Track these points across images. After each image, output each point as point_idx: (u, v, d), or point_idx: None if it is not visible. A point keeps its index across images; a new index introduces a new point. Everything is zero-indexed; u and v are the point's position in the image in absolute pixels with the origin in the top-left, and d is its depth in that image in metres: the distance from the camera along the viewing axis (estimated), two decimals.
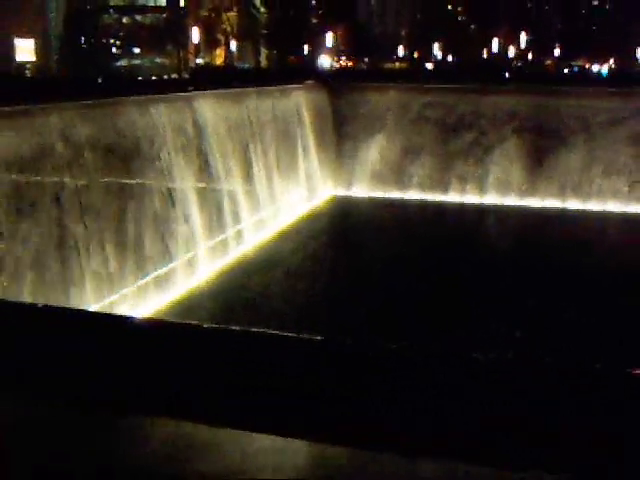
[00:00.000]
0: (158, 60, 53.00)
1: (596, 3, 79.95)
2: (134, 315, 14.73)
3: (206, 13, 50.13)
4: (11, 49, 39.07)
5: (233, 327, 3.40)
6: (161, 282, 17.84)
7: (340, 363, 3.02)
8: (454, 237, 26.58)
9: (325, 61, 65.55)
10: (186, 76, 42.87)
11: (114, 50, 52.64)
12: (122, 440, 2.78)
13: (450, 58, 74.35)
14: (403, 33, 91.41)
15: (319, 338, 3.18)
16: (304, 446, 2.65)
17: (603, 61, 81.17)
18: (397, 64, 78.11)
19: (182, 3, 49.94)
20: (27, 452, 2.65)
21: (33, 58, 39.44)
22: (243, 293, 19.31)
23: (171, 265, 18.80)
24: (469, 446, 2.60)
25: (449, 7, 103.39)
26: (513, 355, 3.07)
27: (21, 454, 2.65)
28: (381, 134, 35.17)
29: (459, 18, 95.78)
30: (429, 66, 76.41)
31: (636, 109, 31.91)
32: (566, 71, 73.02)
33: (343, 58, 69.04)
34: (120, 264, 16.00)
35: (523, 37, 67.80)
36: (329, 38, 58.61)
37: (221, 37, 52.64)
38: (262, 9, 53.91)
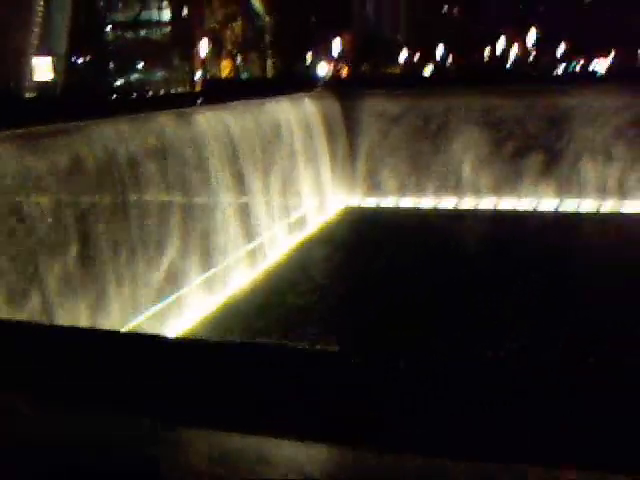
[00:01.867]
0: (160, 75, 53.13)
1: None
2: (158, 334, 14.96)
3: (213, 25, 50.25)
4: (29, 68, 38.81)
5: (252, 341, 3.70)
6: None
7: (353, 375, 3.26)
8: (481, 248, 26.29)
9: (322, 69, 65.58)
10: (197, 89, 42.95)
11: (115, 66, 52.76)
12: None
13: (450, 60, 74.38)
14: (399, 37, 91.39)
15: (332, 350, 3.44)
16: (320, 450, 2.77)
17: (602, 56, 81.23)
18: (398, 69, 78.08)
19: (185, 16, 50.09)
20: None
21: (52, 76, 39.16)
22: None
23: None
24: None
25: (444, 9, 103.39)
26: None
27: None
28: (394, 141, 35.15)
29: (458, 20, 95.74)
30: (428, 69, 76.36)
31: None
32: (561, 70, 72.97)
33: (340, 65, 69.00)
34: None
35: (532, 35, 67.79)
36: (337, 45, 58.67)
37: (228, 48, 52.77)
38: (267, 18, 54.05)
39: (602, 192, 32.29)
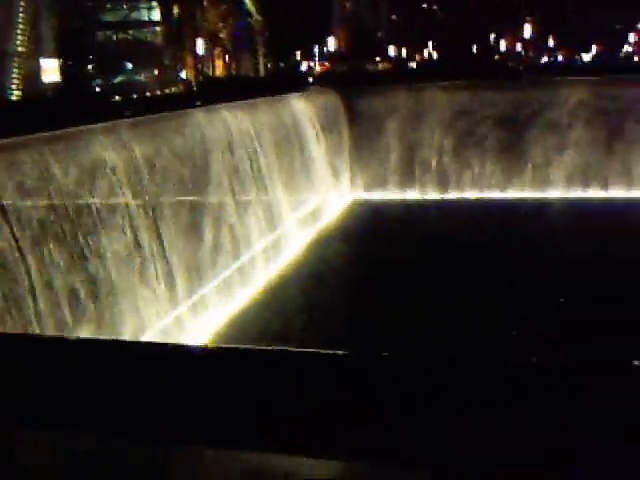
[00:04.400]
0: (143, 76, 52.45)
1: None
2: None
3: (205, 24, 49.90)
4: (38, 70, 37.98)
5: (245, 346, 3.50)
6: None
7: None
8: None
9: (314, 66, 65.78)
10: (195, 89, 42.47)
11: (104, 68, 52.05)
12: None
13: (436, 56, 74.82)
14: (380, 35, 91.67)
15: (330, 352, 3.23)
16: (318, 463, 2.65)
17: (584, 51, 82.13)
18: (381, 65, 78.19)
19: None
20: None
21: (59, 79, 38.23)
22: None
23: None
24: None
25: (424, 5, 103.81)
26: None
27: None
28: (394, 135, 35.16)
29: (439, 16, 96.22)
30: (412, 65, 76.67)
31: None
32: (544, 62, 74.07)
33: (319, 62, 69.15)
34: None
35: (527, 31, 68.55)
36: (331, 42, 58.72)
37: (220, 47, 52.43)
38: (258, 17, 53.80)
39: None
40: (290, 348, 3.64)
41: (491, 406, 2.75)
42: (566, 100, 33.08)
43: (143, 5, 51.17)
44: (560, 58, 76.27)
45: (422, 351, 14.59)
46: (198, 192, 19.49)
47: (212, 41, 50.10)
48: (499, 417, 2.72)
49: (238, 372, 3.16)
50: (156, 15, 51.59)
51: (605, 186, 32.63)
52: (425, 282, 20.64)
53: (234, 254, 20.26)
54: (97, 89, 49.70)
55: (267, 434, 2.71)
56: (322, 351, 3.27)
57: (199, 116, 21.26)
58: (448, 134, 34.82)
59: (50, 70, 37.23)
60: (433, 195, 34.32)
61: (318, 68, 62.20)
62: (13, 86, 54.27)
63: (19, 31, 56.62)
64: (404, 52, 74.81)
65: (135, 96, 38.11)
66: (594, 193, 32.50)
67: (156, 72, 49.49)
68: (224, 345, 15.32)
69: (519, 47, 73.32)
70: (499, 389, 2.89)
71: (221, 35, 51.08)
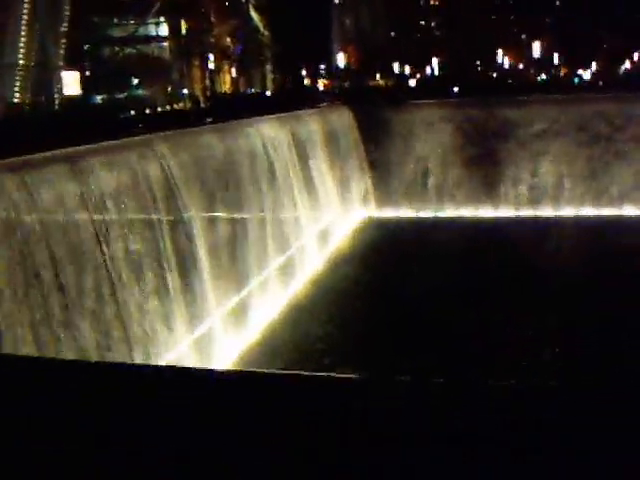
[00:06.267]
0: (145, 92, 52.22)
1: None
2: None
3: (213, 39, 49.89)
4: (58, 81, 37.56)
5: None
6: None
7: None
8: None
9: (318, 83, 66.03)
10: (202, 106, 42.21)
11: (111, 82, 51.87)
12: None
13: (437, 73, 75.10)
14: (383, 52, 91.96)
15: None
16: None
17: (583, 68, 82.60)
18: (383, 82, 78.45)
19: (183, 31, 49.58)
20: None
21: (79, 92, 37.71)
22: None
23: None
24: None
25: (422, 22, 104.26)
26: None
27: None
28: (407, 152, 35.16)
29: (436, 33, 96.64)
30: (413, 82, 76.97)
31: None
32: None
33: (321, 78, 69.43)
34: None
35: (536, 49, 68.92)
36: (341, 58, 58.87)
37: (227, 63, 52.40)
38: (266, 33, 53.83)
39: None
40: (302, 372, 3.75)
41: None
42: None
43: (151, 20, 51.13)
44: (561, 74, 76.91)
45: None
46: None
47: (220, 56, 50.09)
48: None
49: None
50: (164, 30, 51.56)
51: None
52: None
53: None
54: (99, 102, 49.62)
55: None
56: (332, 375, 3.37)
57: (232, 130, 21.35)
58: (458, 151, 34.83)
59: (71, 82, 36.75)
60: (446, 213, 34.28)
61: (321, 85, 62.35)
62: (15, 99, 54.13)
63: (22, 44, 56.62)
64: (407, 69, 74.95)
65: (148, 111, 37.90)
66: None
67: (163, 87, 49.35)
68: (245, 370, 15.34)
69: (522, 65, 73.83)
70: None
71: (229, 50, 51.10)
